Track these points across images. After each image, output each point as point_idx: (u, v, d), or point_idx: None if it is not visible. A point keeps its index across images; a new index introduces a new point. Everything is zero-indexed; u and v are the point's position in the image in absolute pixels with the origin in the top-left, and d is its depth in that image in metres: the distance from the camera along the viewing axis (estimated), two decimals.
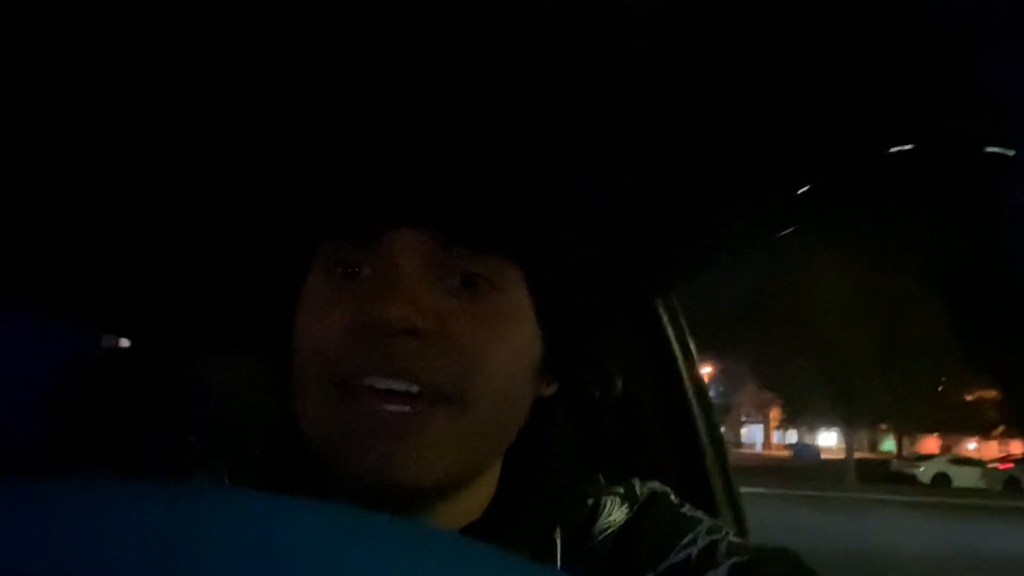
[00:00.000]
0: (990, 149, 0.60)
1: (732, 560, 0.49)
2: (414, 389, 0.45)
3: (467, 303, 0.48)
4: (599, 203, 0.78)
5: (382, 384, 0.45)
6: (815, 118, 0.63)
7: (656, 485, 0.60)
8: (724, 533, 0.52)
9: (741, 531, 1.12)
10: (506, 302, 0.50)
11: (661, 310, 1.18)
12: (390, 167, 0.49)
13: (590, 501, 0.56)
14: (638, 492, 0.58)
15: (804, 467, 23.36)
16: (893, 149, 0.62)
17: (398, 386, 0.45)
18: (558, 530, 0.54)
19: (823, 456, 29.27)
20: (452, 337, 0.47)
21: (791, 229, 0.84)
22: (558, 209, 0.55)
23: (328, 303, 0.48)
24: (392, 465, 0.45)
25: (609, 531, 0.55)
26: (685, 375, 1.17)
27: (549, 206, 0.53)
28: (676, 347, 1.18)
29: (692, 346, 1.21)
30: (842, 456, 22.52)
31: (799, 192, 0.73)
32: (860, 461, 21.88)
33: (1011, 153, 0.58)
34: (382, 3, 0.53)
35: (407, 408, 0.45)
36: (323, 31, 0.56)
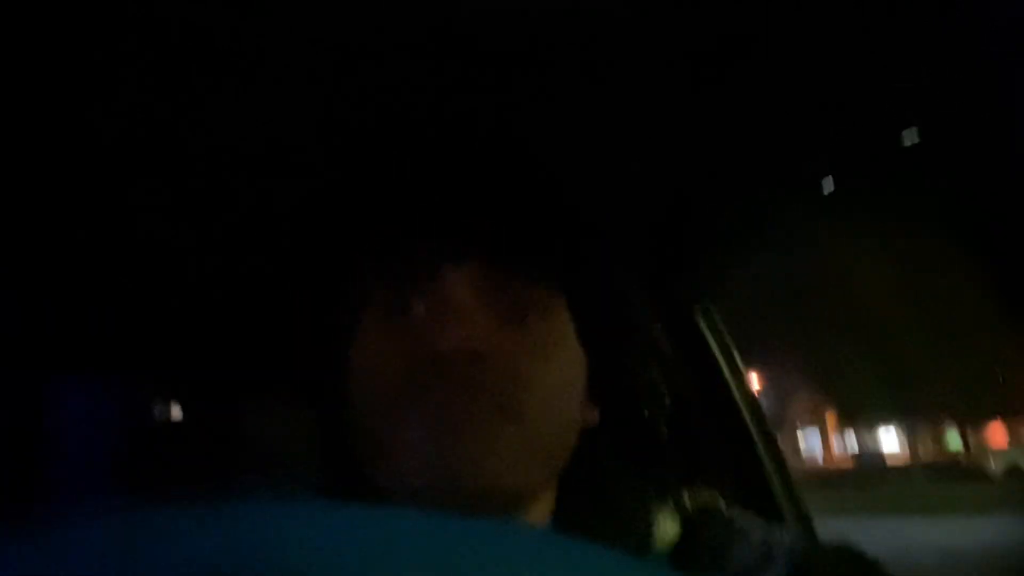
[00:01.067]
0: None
1: (791, 561, 0.49)
2: (477, 413, 0.48)
3: (517, 329, 0.51)
4: (629, 220, 0.78)
5: (448, 412, 0.48)
6: (835, 108, 0.63)
7: (705, 495, 0.61)
8: (779, 536, 0.52)
9: (809, 536, 1.09)
10: (551, 326, 0.53)
11: (702, 323, 1.17)
12: (437, 207, 0.52)
13: (643, 520, 0.57)
14: (688, 506, 0.59)
15: (869, 475, 22.64)
16: (906, 134, 0.61)
17: (462, 413, 0.48)
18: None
19: (889, 463, 28.35)
20: (508, 361, 0.49)
21: (816, 223, 0.84)
22: (593, 236, 0.56)
23: (387, 341, 0.51)
24: (462, 481, 0.47)
25: (665, 548, 0.55)
26: (733, 385, 1.16)
27: (584, 234, 0.56)
28: (721, 358, 1.17)
29: (736, 355, 1.20)
30: (908, 461, 21.78)
31: (819, 186, 0.73)
32: (927, 464, 21.10)
33: None
34: (421, 48, 0.55)
35: (474, 430, 0.48)
36: (369, 75, 0.58)
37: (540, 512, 0.55)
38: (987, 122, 0.65)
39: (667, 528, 0.56)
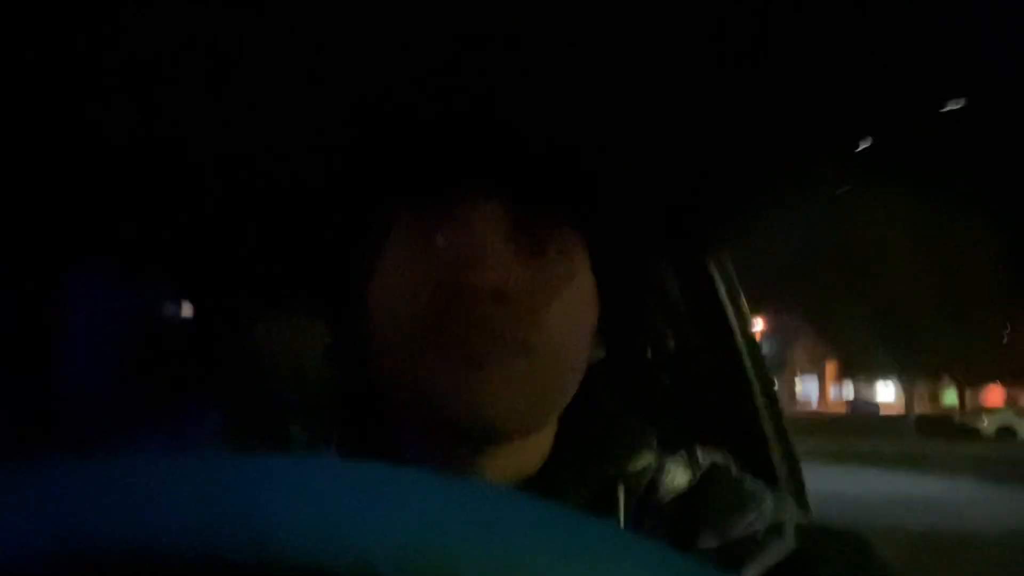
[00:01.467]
0: None
1: (799, 543, 0.50)
2: (496, 347, 0.50)
3: (537, 266, 0.53)
4: (651, 166, 0.78)
5: (470, 345, 0.50)
6: (866, 71, 0.63)
7: (717, 456, 0.62)
8: (790, 512, 0.53)
9: (798, 488, 1.12)
10: (570, 265, 0.54)
11: (712, 268, 1.18)
12: (468, 140, 0.53)
13: (652, 463, 0.58)
14: (700, 460, 0.60)
15: (862, 423, 22.98)
16: (947, 106, 0.61)
17: (483, 346, 0.50)
18: (620, 489, 0.56)
19: (883, 412, 28.78)
20: (527, 299, 0.51)
21: (844, 185, 0.83)
22: (615, 177, 0.57)
23: (410, 270, 0.52)
24: (477, 409, 0.49)
25: (673, 496, 0.57)
26: (737, 332, 1.17)
27: (606, 177, 0.56)
28: (728, 304, 1.18)
29: (743, 302, 1.21)
30: (902, 411, 22.02)
31: (852, 150, 0.72)
32: (921, 416, 21.37)
33: None
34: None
35: (491, 366, 0.50)
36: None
37: (539, 446, 0.57)
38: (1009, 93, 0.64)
39: (675, 476, 0.58)
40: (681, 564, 0.25)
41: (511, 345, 0.50)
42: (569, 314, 0.54)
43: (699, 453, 0.61)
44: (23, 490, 0.25)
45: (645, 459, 0.58)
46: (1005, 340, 22.46)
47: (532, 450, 0.56)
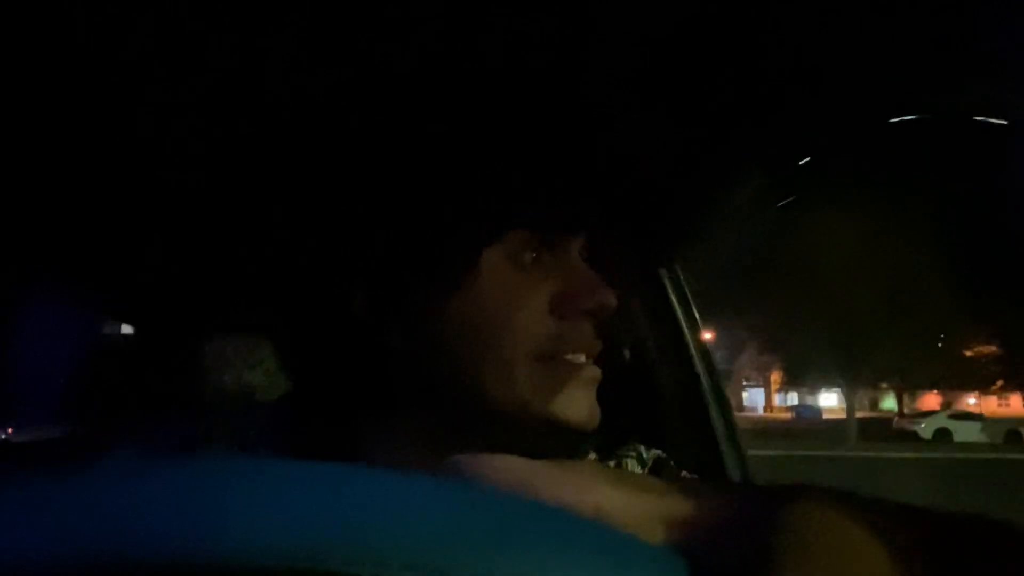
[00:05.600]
0: (987, 119, 0.62)
1: None
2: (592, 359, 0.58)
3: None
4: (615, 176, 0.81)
5: (579, 356, 0.57)
6: (815, 87, 0.65)
7: (658, 452, 0.69)
8: None
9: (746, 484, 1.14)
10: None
11: (665, 279, 1.20)
12: (578, 183, 0.60)
13: (613, 461, 0.65)
14: (645, 456, 0.67)
15: (806, 428, 23.51)
16: (893, 120, 0.64)
17: (588, 356, 0.58)
18: None
19: (825, 416, 29.57)
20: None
21: (790, 197, 0.86)
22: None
23: (523, 286, 0.57)
24: (591, 413, 0.57)
25: None
26: (690, 341, 1.19)
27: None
28: (681, 314, 1.20)
29: (695, 313, 1.24)
30: (844, 416, 22.61)
31: (799, 161, 0.75)
32: (862, 420, 21.98)
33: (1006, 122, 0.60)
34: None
35: (593, 370, 0.58)
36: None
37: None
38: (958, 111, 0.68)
39: (631, 468, 0.64)
40: (683, 570, 0.26)
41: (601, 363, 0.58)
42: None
43: (643, 449, 0.67)
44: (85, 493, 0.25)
45: (614, 457, 0.65)
46: (940, 346, 23.31)
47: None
